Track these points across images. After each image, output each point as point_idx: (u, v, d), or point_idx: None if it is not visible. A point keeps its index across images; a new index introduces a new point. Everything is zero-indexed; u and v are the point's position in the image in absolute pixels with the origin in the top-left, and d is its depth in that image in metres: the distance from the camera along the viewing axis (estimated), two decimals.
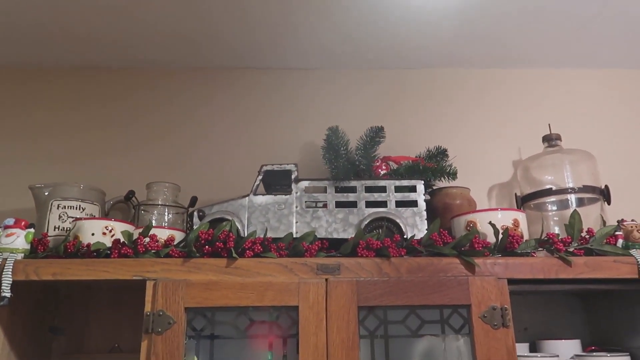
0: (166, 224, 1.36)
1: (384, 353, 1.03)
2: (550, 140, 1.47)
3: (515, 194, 1.48)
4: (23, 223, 1.13)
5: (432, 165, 1.39)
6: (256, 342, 1.04)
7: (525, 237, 1.19)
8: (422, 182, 1.27)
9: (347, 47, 1.63)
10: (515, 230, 1.18)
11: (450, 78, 1.75)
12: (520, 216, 1.21)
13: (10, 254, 1.08)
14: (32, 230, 1.13)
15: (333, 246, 1.18)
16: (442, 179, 1.39)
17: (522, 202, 1.43)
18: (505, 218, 1.19)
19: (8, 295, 1.03)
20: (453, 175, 1.38)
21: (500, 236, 1.13)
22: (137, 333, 1.34)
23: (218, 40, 1.59)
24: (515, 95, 1.73)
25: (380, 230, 1.19)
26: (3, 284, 1.03)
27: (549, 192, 1.39)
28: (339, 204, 1.25)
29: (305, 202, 1.25)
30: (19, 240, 1.11)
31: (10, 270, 1.05)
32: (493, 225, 1.14)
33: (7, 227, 1.12)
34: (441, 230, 1.15)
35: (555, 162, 1.42)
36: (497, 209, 1.26)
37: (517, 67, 1.74)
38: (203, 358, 1.02)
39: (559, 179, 1.39)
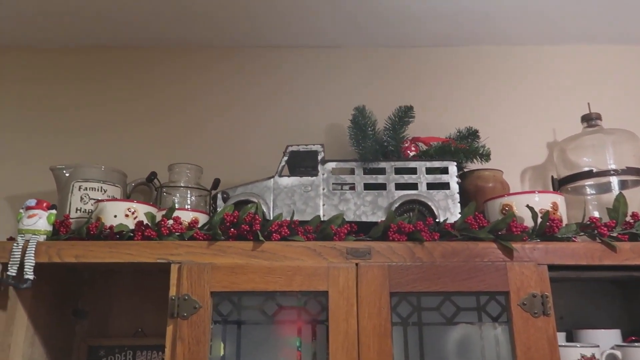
0: (189, 207, 1.32)
1: (418, 341, 0.98)
2: (590, 119, 1.39)
3: (552, 177, 1.41)
4: (45, 204, 1.11)
5: (464, 147, 1.34)
6: (284, 328, 1.00)
7: (564, 221, 1.13)
8: (455, 163, 1.22)
9: (376, 24, 1.56)
10: (554, 214, 1.12)
11: (481, 56, 1.67)
12: (559, 199, 1.15)
13: (33, 236, 1.06)
14: (54, 211, 1.11)
15: (362, 230, 1.13)
16: (475, 160, 1.33)
17: (560, 185, 1.36)
18: (543, 201, 1.13)
19: (31, 277, 1.01)
20: (486, 156, 1.32)
21: (540, 220, 1.07)
22: (160, 317, 1.31)
23: (241, 18, 1.53)
24: (550, 74, 1.64)
25: (411, 214, 1.14)
26: (26, 266, 1.01)
27: (589, 175, 1.31)
28: (368, 186, 1.20)
29: (333, 184, 1.20)
30: (41, 221, 1.08)
31: (33, 252, 1.03)
32: (531, 209, 1.08)
33: (29, 208, 1.10)
34: (476, 214, 1.09)
35: (596, 143, 1.35)
36: (534, 192, 1.20)
37: (552, 43, 1.65)
38: (230, 344, 0.99)
39: (599, 160, 1.32)
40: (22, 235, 1.06)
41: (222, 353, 0.99)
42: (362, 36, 1.63)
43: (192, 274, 1.00)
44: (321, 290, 0.99)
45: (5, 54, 1.66)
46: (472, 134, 1.44)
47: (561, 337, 1.22)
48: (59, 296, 1.27)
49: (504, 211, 1.14)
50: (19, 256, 1.03)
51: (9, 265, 1.02)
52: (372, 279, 0.99)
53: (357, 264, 1.01)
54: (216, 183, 1.39)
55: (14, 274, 1.02)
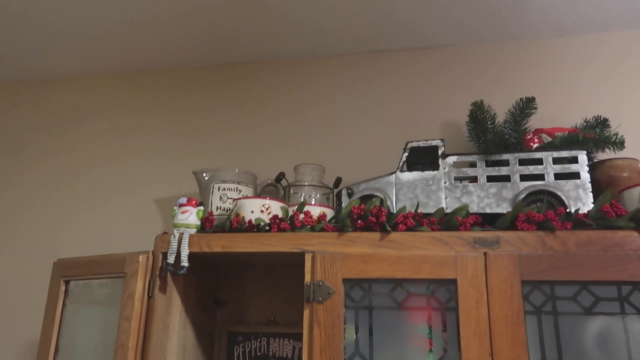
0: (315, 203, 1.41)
1: (553, 330, 0.96)
2: None
3: None
4: (194, 202, 1.25)
5: (593, 136, 1.28)
6: (413, 315, 1.04)
7: None
8: (585, 152, 1.17)
9: (493, 18, 1.55)
10: None
11: (604, 43, 1.58)
12: None
13: (186, 229, 1.20)
14: (202, 208, 1.25)
15: (486, 222, 1.13)
16: (607, 149, 1.27)
17: None
18: None
19: (186, 265, 1.15)
20: (620, 144, 1.25)
21: None
22: (289, 308, 1.44)
23: (364, 26, 1.61)
24: None
25: (539, 204, 1.12)
26: (182, 255, 1.16)
27: None
28: (490, 179, 1.20)
29: (454, 177, 1.22)
30: (192, 217, 1.23)
31: (187, 243, 1.17)
32: None
33: (181, 205, 1.25)
34: (613, 202, 1.04)
35: None
36: None
37: None
38: (362, 328, 1.04)
39: None
40: (177, 228, 1.21)
41: (355, 337, 1.04)
42: (477, 33, 1.62)
43: (325, 262, 1.07)
44: (450, 278, 1.01)
45: (159, 75, 1.91)
46: (601, 123, 1.38)
47: None
48: (203, 286, 1.41)
49: None
50: (176, 247, 1.17)
51: (168, 255, 1.17)
52: (502, 267, 0.99)
53: (485, 253, 1.02)
54: (338, 181, 1.47)
55: (172, 262, 1.16)
